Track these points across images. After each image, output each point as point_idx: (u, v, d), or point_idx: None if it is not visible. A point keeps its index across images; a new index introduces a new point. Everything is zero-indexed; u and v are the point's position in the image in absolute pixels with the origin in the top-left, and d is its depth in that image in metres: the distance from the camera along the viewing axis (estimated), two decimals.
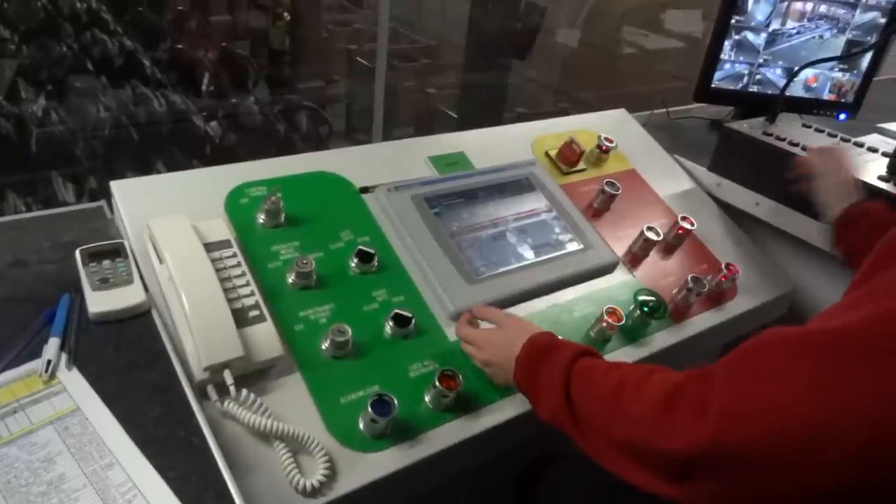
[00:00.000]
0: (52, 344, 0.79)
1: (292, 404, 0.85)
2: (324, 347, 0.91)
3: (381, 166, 1.21)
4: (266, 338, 0.86)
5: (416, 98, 4.88)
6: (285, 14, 5.20)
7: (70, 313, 0.84)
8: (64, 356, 0.78)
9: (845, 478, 0.51)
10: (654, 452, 0.63)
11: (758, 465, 0.54)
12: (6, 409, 0.71)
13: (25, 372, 0.76)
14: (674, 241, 1.27)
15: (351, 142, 4.93)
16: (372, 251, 1.02)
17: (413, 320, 0.96)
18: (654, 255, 1.24)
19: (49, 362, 0.76)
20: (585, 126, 1.49)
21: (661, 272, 1.21)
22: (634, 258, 1.23)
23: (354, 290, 1.00)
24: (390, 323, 0.96)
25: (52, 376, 0.76)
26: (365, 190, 1.15)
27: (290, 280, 0.97)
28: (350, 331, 0.90)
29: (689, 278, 1.15)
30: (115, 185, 1.02)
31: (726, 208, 1.43)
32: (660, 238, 1.22)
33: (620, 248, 1.23)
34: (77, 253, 0.91)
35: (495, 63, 4.49)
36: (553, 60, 4.72)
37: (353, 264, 1.02)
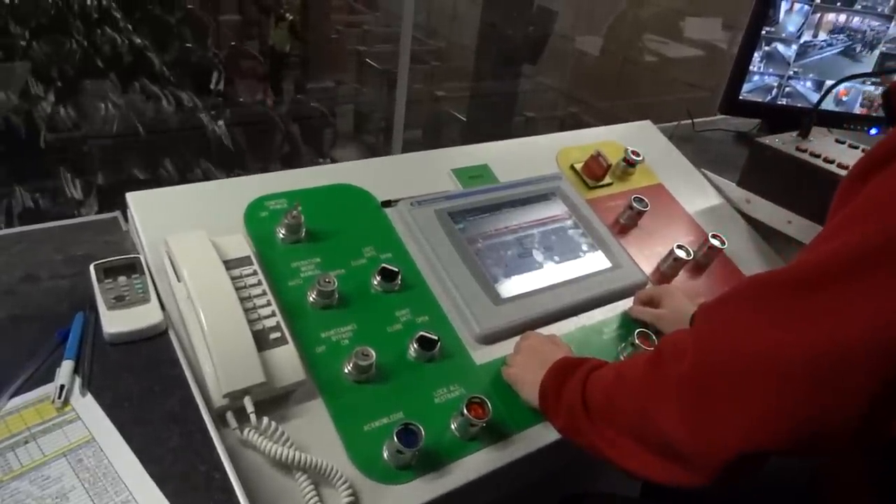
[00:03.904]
0: (66, 367, 0.75)
1: (314, 432, 0.81)
2: (346, 371, 0.87)
3: (404, 179, 1.17)
4: (288, 362, 0.82)
5: (425, 101, 4.85)
6: (287, 14, 5.17)
7: (84, 334, 0.80)
8: (78, 380, 0.75)
9: (809, 410, 0.54)
10: (653, 424, 0.65)
11: (731, 401, 0.57)
12: (17, 438, 0.68)
13: (37, 397, 0.72)
14: (703, 260, 1.23)
15: (359, 144, 4.90)
16: (395, 269, 0.99)
17: (439, 343, 0.92)
18: (683, 274, 1.20)
19: (62, 387, 0.73)
20: (610, 138, 1.45)
21: (691, 293, 1.17)
22: (663, 277, 1.19)
23: (377, 309, 0.97)
24: (415, 345, 0.92)
25: (66, 403, 0.72)
26: (387, 203, 1.11)
27: (311, 299, 0.93)
28: (374, 354, 0.87)
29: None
30: (132, 197, 0.98)
31: (756, 226, 1.39)
32: (690, 257, 1.18)
33: (648, 267, 1.19)
34: (91, 268, 0.88)
35: (506, 67, 4.46)
36: (566, 66, 4.68)
37: (375, 282, 0.98)
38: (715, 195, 1.44)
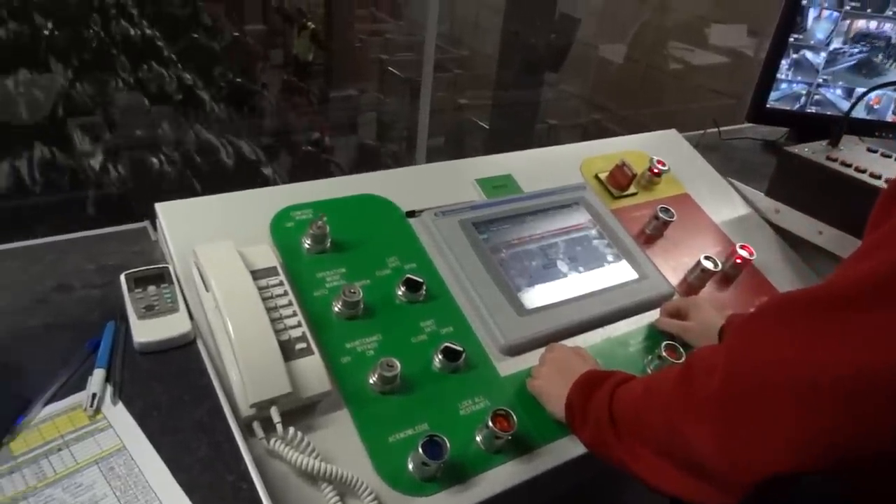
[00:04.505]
0: (98, 376, 0.76)
1: (339, 442, 0.82)
2: (371, 382, 0.87)
3: (428, 189, 1.17)
4: (314, 372, 0.83)
5: (447, 109, 4.87)
6: (309, 24, 5.23)
7: (115, 342, 0.82)
8: (109, 389, 0.76)
9: (836, 435, 0.53)
10: (681, 441, 0.64)
11: (759, 421, 0.56)
12: (51, 445, 0.69)
13: (70, 405, 0.74)
14: (732, 272, 1.21)
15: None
16: (420, 280, 0.99)
17: (463, 354, 0.92)
18: (710, 285, 1.18)
19: (94, 396, 0.74)
20: (635, 147, 1.44)
21: (719, 305, 1.15)
22: (690, 289, 1.17)
23: (402, 320, 0.97)
24: (440, 356, 0.92)
25: (97, 411, 0.73)
26: (411, 214, 1.12)
27: (336, 309, 0.94)
28: (399, 365, 0.87)
29: (751, 311, 1.09)
30: (161, 208, 0.99)
31: (786, 236, 1.37)
32: (718, 268, 1.16)
33: (675, 278, 1.18)
34: (122, 278, 0.89)
35: (528, 75, 4.46)
36: (589, 73, 4.67)
37: (400, 293, 0.99)
38: (742, 205, 1.42)
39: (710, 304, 1.07)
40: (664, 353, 0.99)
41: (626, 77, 4.31)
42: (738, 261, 1.20)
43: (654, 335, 1.07)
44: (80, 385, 0.76)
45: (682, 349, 1.00)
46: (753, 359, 0.59)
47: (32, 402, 0.74)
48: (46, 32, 2.96)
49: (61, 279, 0.92)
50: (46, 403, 0.74)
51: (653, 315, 1.10)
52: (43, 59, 2.93)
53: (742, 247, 1.21)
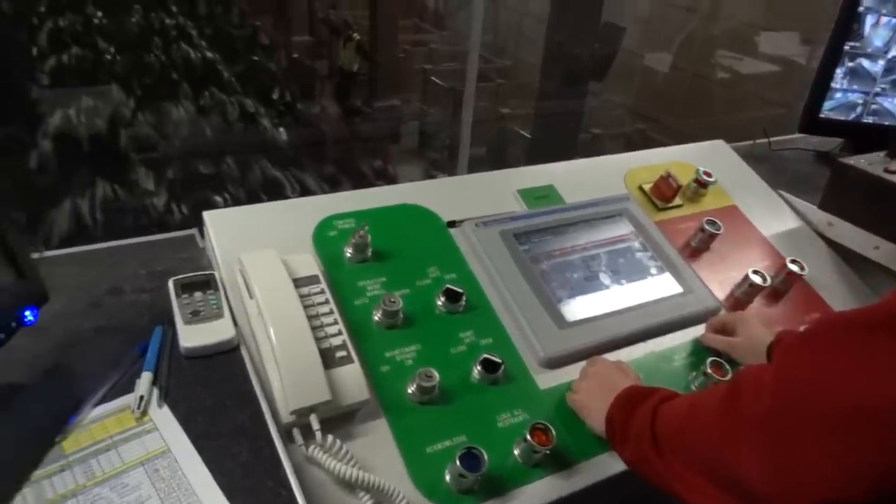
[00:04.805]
0: (145, 379, 0.78)
1: (377, 451, 0.82)
2: (410, 391, 0.88)
3: (469, 199, 1.17)
4: (353, 380, 0.83)
5: (489, 118, 4.87)
6: (355, 35, 5.32)
7: (162, 347, 0.84)
8: (155, 392, 0.78)
9: (885, 465, 0.51)
10: (726, 462, 0.62)
11: (807, 447, 0.55)
12: (100, 445, 0.71)
13: (118, 407, 0.76)
14: (782, 287, 1.17)
15: (423, 161, 4.95)
16: (460, 290, 0.99)
17: (502, 366, 0.92)
18: (759, 300, 1.15)
19: (141, 398, 0.76)
20: (681, 158, 1.41)
21: (768, 321, 1.11)
22: (737, 304, 1.14)
23: (441, 330, 0.97)
24: (478, 368, 0.91)
25: (144, 413, 0.75)
26: (452, 224, 1.12)
27: (376, 318, 0.94)
28: (437, 376, 0.87)
29: (801, 330, 1.05)
30: (208, 216, 1.02)
31: (839, 251, 1.32)
32: (766, 283, 1.12)
33: (721, 293, 1.15)
34: (171, 284, 0.92)
35: (572, 84, 4.43)
36: (633, 82, 4.61)
37: (439, 303, 0.99)
38: (793, 218, 1.38)
39: (758, 320, 1.04)
40: (709, 370, 0.96)
41: (672, 86, 4.24)
42: (789, 276, 1.16)
43: (699, 351, 1.05)
44: (128, 387, 0.79)
45: (728, 366, 0.97)
46: (803, 382, 0.57)
47: (84, 402, 0.76)
48: (109, 57, 3.06)
49: (114, 283, 0.95)
50: (97, 404, 0.76)
51: (698, 330, 1.08)
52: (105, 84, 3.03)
53: (793, 261, 1.17)
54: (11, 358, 0.77)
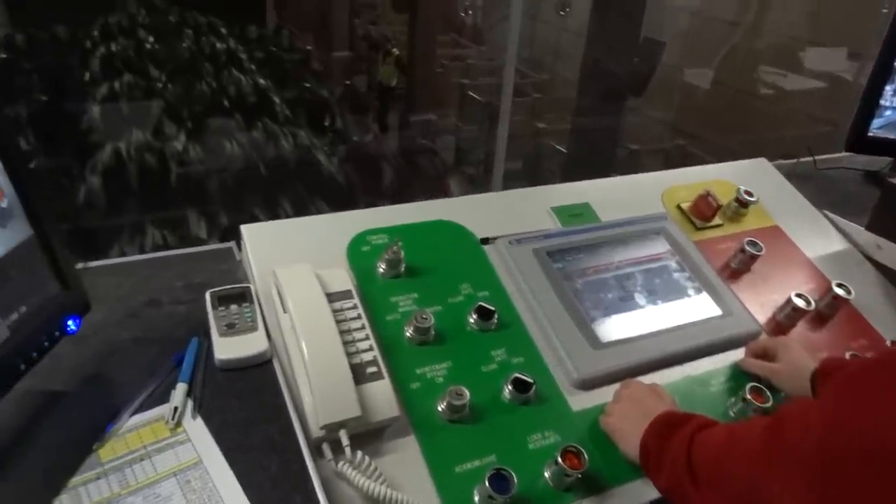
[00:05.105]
0: (180, 390, 0.80)
1: (405, 469, 0.81)
2: (440, 409, 0.87)
3: (503, 216, 1.17)
4: (383, 396, 0.83)
5: (526, 132, 4.86)
6: (394, 50, 5.38)
7: (198, 358, 0.85)
8: (190, 403, 0.79)
9: None
10: (766, 497, 0.61)
11: (855, 490, 0.53)
12: (134, 455, 0.72)
13: (153, 417, 0.77)
14: (827, 311, 1.13)
15: (459, 175, 4.96)
16: (492, 308, 0.98)
17: (534, 386, 0.90)
18: (802, 325, 1.11)
19: (176, 409, 0.77)
20: (721, 176, 1.38)
21: (811, 346, 1.08)
22: (779, 328, 1.10)
23: (472, 348, 0.96)
24: (509, 387, 0.90)
25: (178, 424, 0.76)
26: (485, 241, 1.11)
27: (407, 334, 0.94)
28: (468, 394, 0.86)
29: (847, 356, 1.02)
30: (246, 229, 1.04)
31: (888, 274, 1.27)
32: (810, 307, 1.09)
33: (762, 316, 1.12)
34: (207, 296, 0.93)
35: (609, 100, 4.39)
36: (673, 97, 4.55)
37: (471, 320, 0.98)
38: (839, 240, 1.33)
39: (801, 346, 1.01)
40: (749, 396, 0.93)
41: (712, 101, 4.17)
42: (834, 300, 1.12)
43: (738, 376, 1.02)
44: (164, 397, 0.80)
45: (768, 393, 0.94)
46: (852, 423, 0.55)
47: (121, 411, 0.78)
48: (160, 84, 3.11)
49: (153, 294, 0.98)
50: (133, 413, 0.78)
51: (737, 354, 1.05)
52: (157, 118, 3.05)
53: (839, 285, 1.13)
54: (54, 366, 0.79)
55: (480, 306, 0.98)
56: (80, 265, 0.95)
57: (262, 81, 3.41)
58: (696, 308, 1.09)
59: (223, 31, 3.36)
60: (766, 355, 1.02)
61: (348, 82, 4.29)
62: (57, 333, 0.76)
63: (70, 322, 0.77)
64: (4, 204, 0.68)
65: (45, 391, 0.79)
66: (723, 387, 1.00)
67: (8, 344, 0.68)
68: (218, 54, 3.35)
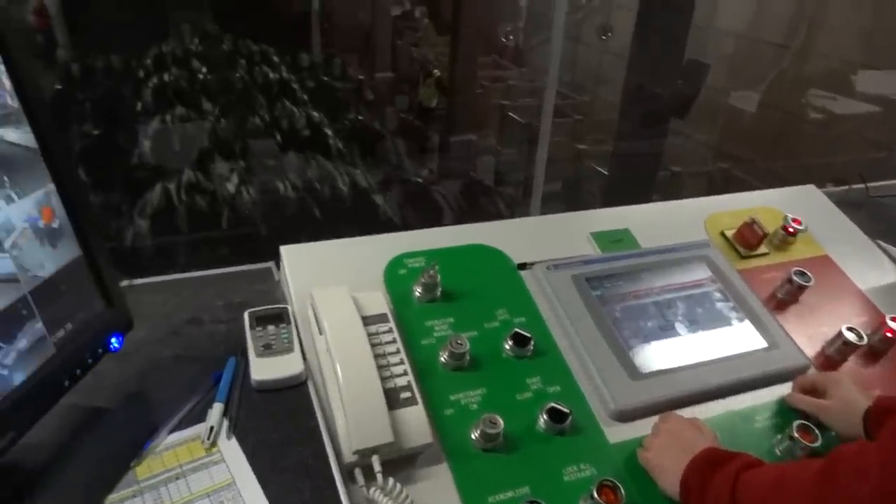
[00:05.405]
0: (217, 409, 0.81)
1: (437, 497, 0.81)
2: (473, 437, 0.86)
3: (541, 241, 1.15)
4: (416, 423, 0.83)
5: (566, 154, 4.83)
6: (435, 71, 5.44)
7: (234, 378, 0.86)
8: (225, 423, 0.80)
9: None
10: None
11: None
12: (170, 474, 0.73)
13: (190, 436, 0.78)
14: (880, 346, 1.08)
15: (499, 196, 4.95)
16: (528, 335, 0.97)
17: (570, 416, 0.88)
18: (853, 360, 1.06)
19: (212, 429, 0.78)
20: (767, 203, 1.34)
21: (864, 383, 1.03)
22: (829, 362, 1.06)
23: (508, 375, 0.95)
24: (545, 416, 0.89)
25: (213, 444, 0.77)
26: (523, 266, 1.10)
27: (442, 359, 0.94)
28: (502, 423, 0.85)
29: None
30: (285, 250, 1.05)
31: None
32: (863, 341, 1.04)
33: (811, 349, 1.07)
34: (246, 315, 0.94)
35: (652, 124, 4.33)
36: (717, 119, 4.47)
37: (507, 346, 0.97)
38: (894, 271, 1.28)
39: (852, 382, 0.96)
40: (796, 434, 0.89)
41: (759, 125, 4.08)
42: (889, 334, 1.07)
43: (785, 412, 0.98)
44: (201, 415, 0.81)
45: (817, 431, 0.90)
46: None
47: (159, 429, 0.79)
48: (211, 119, 3.09)
49: (194, 313, 1.00)
50: (171, 432, 0.79)
51: (783, 389, 1.01)
52: (209, 158, 2.99)
53: (893, 318, 1.08)
54: (96, 382, 0.81)
55: (516, 332, 0.97)
56: (124, 283, 0.97)
57: (315, 114, 3.38)
58: (740, 339, 1.05)
59: (275, 58, 3.37)
60: (814, 391, 0.98)
61: (403, 115, 4.24)
62: (100, 350, 0.77)
63: (113, 339, 0.79)
64: (56, 225, 0.71)
65: (86, 407, 0.81)
66: (768, 423, 0.96)
67: (53, 361, 0.70)
68: (271, 84, 3.36)
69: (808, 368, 1.04)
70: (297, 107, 3.41)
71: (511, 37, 5.67)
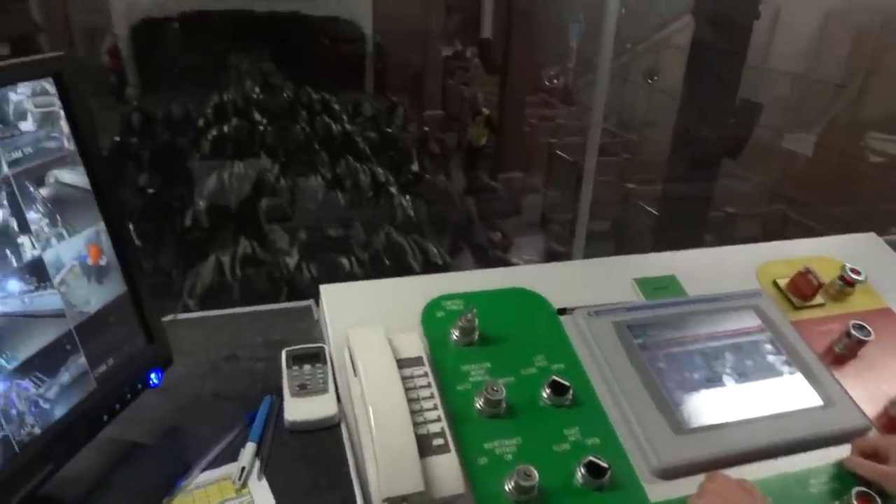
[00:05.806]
0: (249, 449, 0.81)
1: None
2: (507, 489, 0.83)
3: (582, 286, 1.13)
4: (448, 471, 0.81)
5: (614, 193, 4.78)
6: (484, 109, 5.50)
7: (268, 417, 0.87)
8: (257, 463, 0.80)
9: None
10: None
11: None
12: None
13: (221, 475, 0.78)
14: None
15: (545, 234, 4.91)
16: (567, 383, 0.94)
17: (609, 471, 0.85)
18: None
19: (243, 469, 0.78)
20: (823, 252, 1.29)
21: None
22: (891, 424, 0.99)
23: (544, 424, 0.92)
24: (582, 470, 0.85)
25: (244, 485, 0.77)
26: (563, 311, 1.08)
27: (477, 405, 0.92)
28: (537, 475, 0.82)
29: None
30: (325, 289, 1.06)
31: None
32: None
33: (872, 409, 1.01)
34: (283, 354, 0.95)
35: (703, 166, 4.25)
36: (770, 160, 4.36)
37: (545, 394, 0.94)
38: None
39: None
40: (855, 502, 0.83)
41: (815, 167, 3.96)
42: None
43: (843, 477, 0.91)
44: (234, 454, 0.81)
45: (878, 499, 0.84)
46: None
47: (192, 467, 0.79)
48: (272, 178, 3.07)
49: (233, 349, 1.01)
50: (203, 470, 0.79)
51: (841, 452, 0.94)
52: (262, 227, 2.98)
53: None
54: (135, 416, 0.82)
55: (555, 381, 0.94)
56: (168, 318, 1.00)
57: (379, 170, 3.30)
58: (793, 395, 1.00)
59: (336, 107, 3.33)
60: (876, 455, 0.91)
61: (474, 174, 4.17)
62: (140, 386, 0.79)
63: (153, 375, 0.81)
64: (103, 262, 0.73)
65: (123, 440, 0.82)
66: (824, 488, 0.90)
67: (94, 395, 0.72)
68: (333, 138, 3.30)
69: (869, 430, 0.98)
70: (360, 163, 3.36)
71: (556, 80, 5.70)
